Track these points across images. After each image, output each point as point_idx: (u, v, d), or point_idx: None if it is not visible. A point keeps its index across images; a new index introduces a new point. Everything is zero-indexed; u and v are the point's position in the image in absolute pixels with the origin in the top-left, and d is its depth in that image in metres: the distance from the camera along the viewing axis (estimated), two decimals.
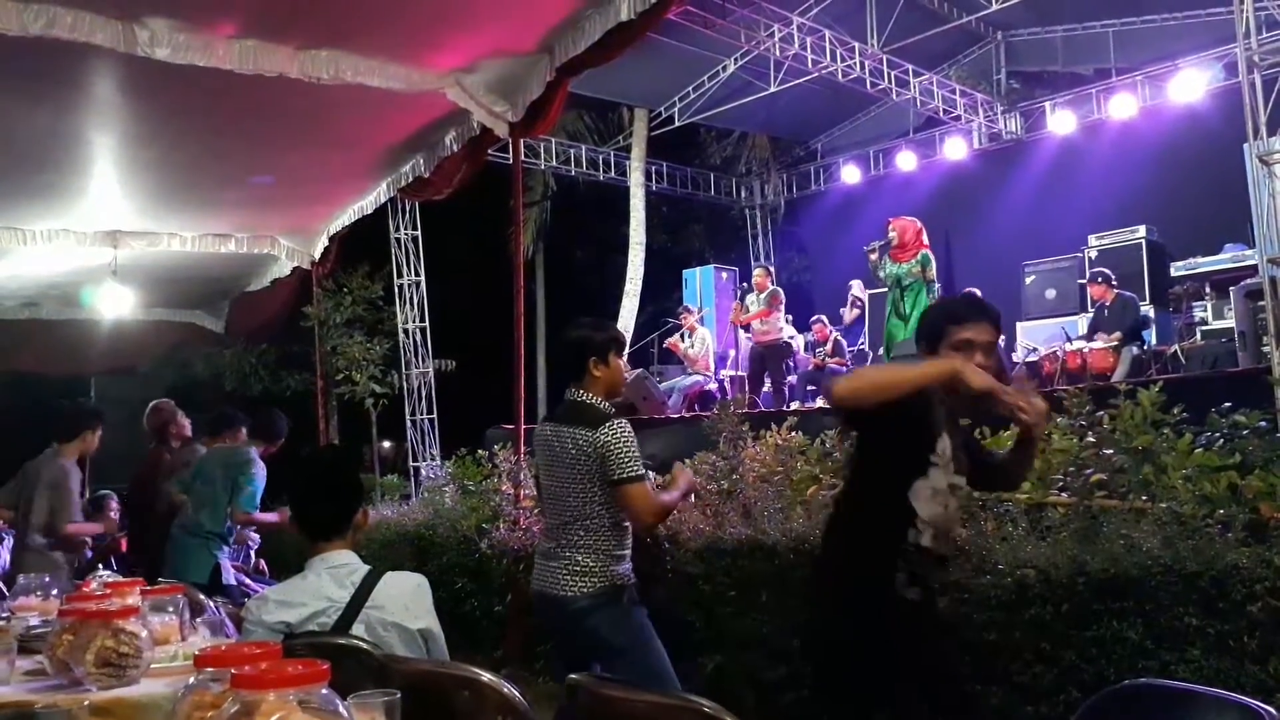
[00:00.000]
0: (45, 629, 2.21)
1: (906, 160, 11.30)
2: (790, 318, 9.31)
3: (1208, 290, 7.46)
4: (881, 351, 7.67)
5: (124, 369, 9.50)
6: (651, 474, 3.00)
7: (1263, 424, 3.17)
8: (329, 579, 2.14)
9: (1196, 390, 4.51)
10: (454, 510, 6.10)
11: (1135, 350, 6.92)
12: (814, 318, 9.54)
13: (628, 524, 2.75)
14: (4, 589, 3.21)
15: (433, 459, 9.00)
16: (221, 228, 6.97)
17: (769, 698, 3.54)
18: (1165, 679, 2.49)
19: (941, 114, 10.54)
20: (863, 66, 9.48)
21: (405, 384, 9.36)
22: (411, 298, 9.45)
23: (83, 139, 5.07)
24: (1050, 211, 9.79)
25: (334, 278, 8.70)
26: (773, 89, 9.96)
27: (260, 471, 4.65)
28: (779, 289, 9.20)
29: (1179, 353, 6.86)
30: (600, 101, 11.98)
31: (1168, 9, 9.10)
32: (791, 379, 8.88)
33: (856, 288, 9.79)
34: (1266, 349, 4.91)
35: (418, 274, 9.44)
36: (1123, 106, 9.59)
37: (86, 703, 1.83)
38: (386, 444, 12.52)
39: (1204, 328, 7.22)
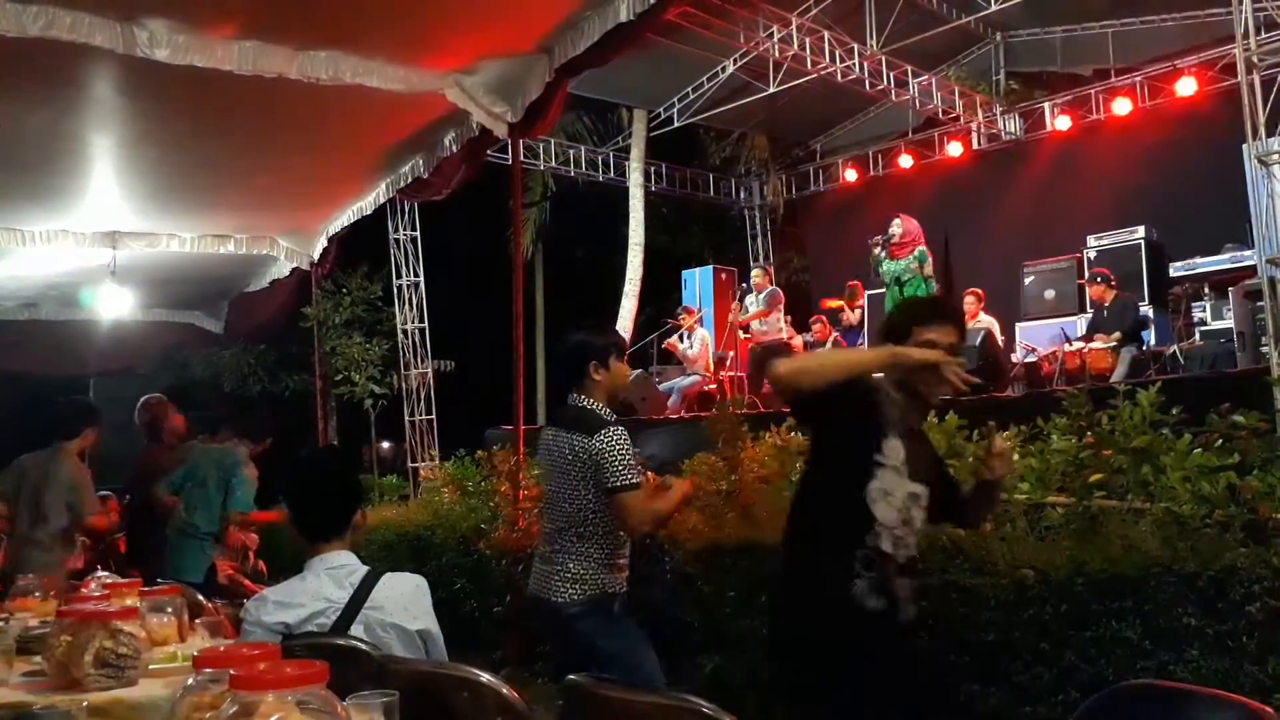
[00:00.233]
0: (44, 630, 2.21)
1: (906, 161, 11.31)
2: (790, 318, 9.32)
3: (1206, 291, 7.45)
4: None
5: (123, 370, 9.48)
6: (649, 474, 2.99)
7: (1261, 425, 3.17)
8: (328, 580, 2.14)
9: (1195, 391, 4.52)
10: (453, 511, 6.10)
11: (1134, 351, 6.93)
12: (814, 318, 9.54)
13: (622, 531, 2.74)
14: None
15: (432, 460, 8.99)
16: (220, 228, 6.97)
17: (768, 698, 3.54)
18: (1164, 679, 2.50)
19: (940, 115, 10.54)
20: (862, 67, 9.48)
21: (404, 385, 9.35)
22: (410, 298, 9.45)
23: (82, 140, 5.07)
24: (1049, 212, 9.79)
25: (333, 278, 8.70)
26: (772, 89, 9.95)
27: (251, 471, 4.67)
28: (778, 289, 9.20)
29: (1178, 353, 6.86)
30: (599, 102, 11.97)
31: (1166, 10, 9.10)
32: None
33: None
34: (1265, 350, 4.91)
35: (417, 274, 9.44)
36: (1121, 107, 9.59)
37: (85, 703, 1.82)
38: (385, 445, 12.51)
39: (1203, 328, 7.22)
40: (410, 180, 6.13)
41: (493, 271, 11.52)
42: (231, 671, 1.06)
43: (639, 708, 1.70)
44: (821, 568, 2.15)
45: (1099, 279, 7.45)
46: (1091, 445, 3.31)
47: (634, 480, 2.64)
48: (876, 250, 7.36)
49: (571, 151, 11.84)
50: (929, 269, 7.19)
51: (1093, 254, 8.44)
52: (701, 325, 9.67)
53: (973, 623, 3.05)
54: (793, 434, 4.40)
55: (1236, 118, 4.86)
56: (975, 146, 10.82)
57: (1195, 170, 8.24)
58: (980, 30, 10.41)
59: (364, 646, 1.98)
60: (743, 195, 13.23)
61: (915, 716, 2.16)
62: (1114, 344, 6.93)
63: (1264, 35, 5.07)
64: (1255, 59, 4.84)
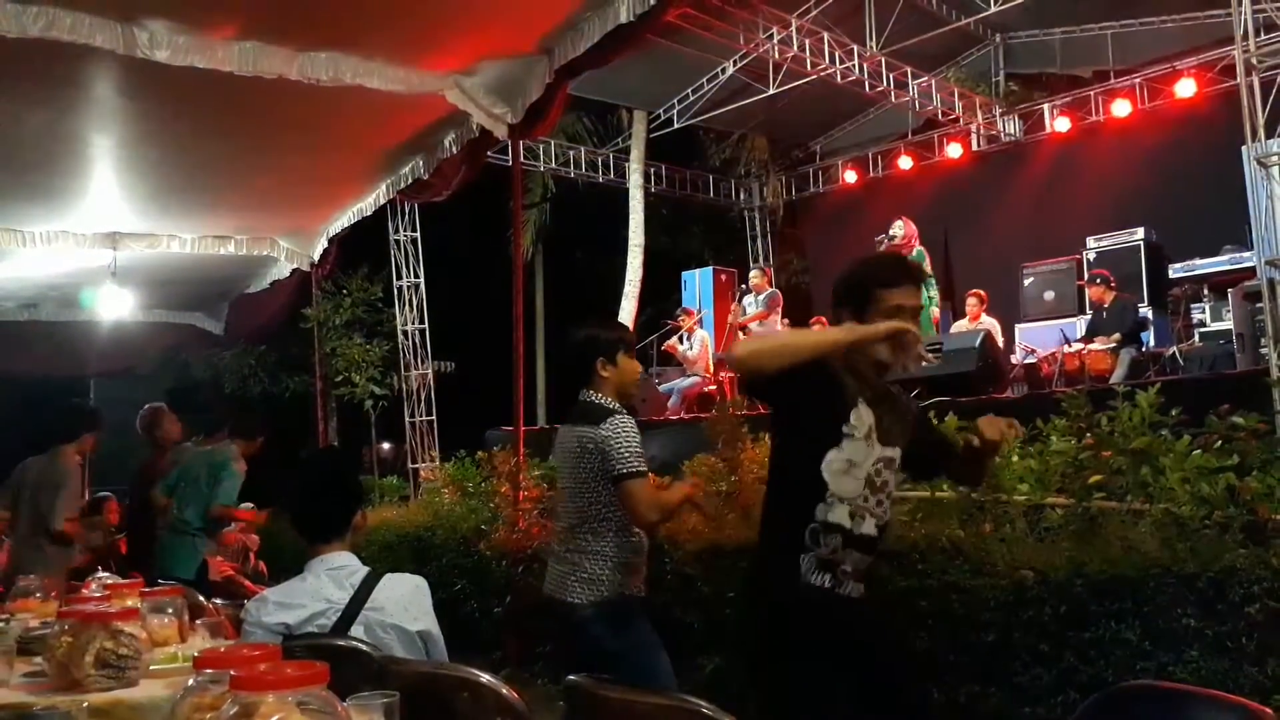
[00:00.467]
0: (44, 631, 2.21)
1: (905, 162, 11.31)
2: (787, 321, 9.32)
3: (1206, 292, 7.45)
4: None
5: (123, 370, 9.50)
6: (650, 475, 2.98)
7: (1260, 426, 3.18)
8: (328, 580, 2.14)
9: (1195, 392, 4.52)
10: (453, 512, 6.10)
11: (1133, 352, 6.93)
12: (813, 319, 9.53)
13: (638, 529, 2.70)
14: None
15: (432, 460, 8.99)
16: (221, 229, 6.97)
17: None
18: (1163, 680, 2.50)
19: (940, 116, 10.54)
20: (861, 69, 9.49)
21: (404, 385, 9.35)
22: (411, 299, 9.45)
23: (82, 140, 5.07)
24: (1049, 213, 9.80)
25: (333, 279, 8.70)
26: (771, 91, 9.96)
27: (241, 466, 4.69)
28: (777, 291, 9.20)
29: (1177, 355, 6.86)
30: (599, 103, 11.98)
31: (1166, 11, 9.11)
32: None
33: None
34: (1264, 351, 4.91)
35: (417, 275, 9.44)
36: (1121, 109, 9.60)
37: (86, 704, 1.83)
38: (386, 445, 12.51)
39: (1202, 330, 7.22)
40: (410, 181, 6.13)
41: (493, 272, 11.51)
42: (232, 672, 1.06)
43: (640, 708, 1.71)
44: (772, 546, 2.11)
45: (1098, 280, 7.45)
46: (1091, 446, 3.31)
47: (640, 468, 2.59)
48: (881, 250, 7.39)
49: (571, 153, 11.85)
50: (927, 267, 7.22)
51: (1092, 255, 8.45)
52: (701, 326, 9.67)
53: (972, 623, 3.05)
54: None
55: (1236, 119, 4.87)
56: (975, 148, 10.83)
57: (1194, 172, 8.24)
58: (980, 32, 10.41)
59: (364, 647, 1.98)
60: (742, 196, 13.23)
61: (878, 706, 2.10)
62: (1113, 345, 6.93)
63: (1263, 37, 5.08)
64: (1254, 61, 4.85)
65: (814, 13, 9.22)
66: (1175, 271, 7.91)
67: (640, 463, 2.61)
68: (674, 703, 1.68)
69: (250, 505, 5.43)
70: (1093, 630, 2.86)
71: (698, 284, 11.33)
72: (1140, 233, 8.33)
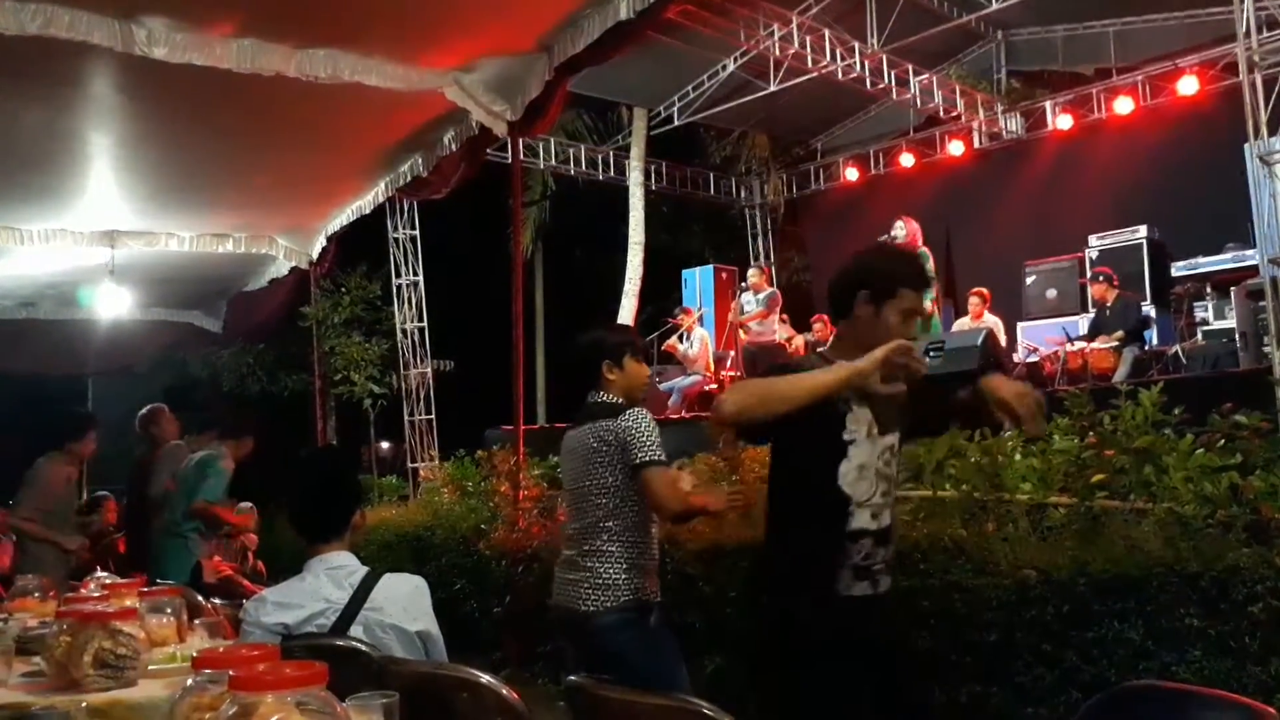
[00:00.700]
0: (43, 630, 2.20)
1: (907, 160, 11.30)
2: (785, 318, 9.31)
3: (1209, 290, 7.44)
4: None
5: (121, 369, 9.49)
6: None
7: (1263, 424, 3.17)
8: (327, 580, 2.13)
9: (1197, 391, 4.52)
10: (452, 511, 6.09)
11: (1136, 350, 6.92)
12: (814, 317, 9.52)
13: (653, 526, 2.66)
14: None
15: (431, 460, 8.98)
16: (219, 227, 6.96)
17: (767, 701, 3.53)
18: (1166, 680, 2.49)
19: (942, 113, 10.53)
20: (862, 66, 9.47)
21: (403, 384, 9.34)
22: (410, 297, 9.44)
23: (80, 138, 5.06)
24: (1051, 211, 9.78)
25: (332, 277, 8.70)
26: (772, 88, 9.94)
27: (228, 464, 4.68)
28: (776, 291, 9.19)
29: (1180, 353, 6.85)
30: (599, 101, 11.95)
31: (1168, 9, 9.10)
32: None
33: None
34: (1267, 349, 4.90)
35: (416, 274, 9.43)
36: (1123, 106, 9.59)
37: (84, 704, 1.82)
38: (385, 444, 12.51)
39: (1205, 328, 7.21)
40: (409, 179, 6.12)
41: (492, 270, 11.50)
42: (231, 672, 1.05)
43: (641, 709, 1.70)
44: (805, 565, 2.08)
45: (1101, 278, 7.44)
46: (1094, 445, 3.30)
47: (662, 457, 2.57)
48: None
49: (571, 150, 11.83)
50: (930, 267, 7.21)
51: (1094, 253, 8.43)
52: (701, 324, 9.66)
53: (975, 623, 3.05)
54: None
55: (1238, 117, 4.86)
56: (976, 145, 10.81)
57: (1197, 169, 8.23)
58: (981, 29, 10.40)
59: (364, 647, 1.98)
60: (743, 194, 13.22)
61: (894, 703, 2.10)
62: (1116, 344, 6.92)
63: (1265, 34, 5.07)
64: (1256, 58, 4.84)
65: (815, 9, 9.21)
66: (1178, 269, 7.89)
67: (661, 452, 2.57)
68: (675, 704, 1.67)
69: (249, 505, 5.43)
70: (1095, 630, 2.85)
71: (698, 282, 11.32)
72: (1143, 230, 8.31)
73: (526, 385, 5.78)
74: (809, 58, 9.24)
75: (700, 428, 4.71)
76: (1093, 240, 8.59)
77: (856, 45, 9.30)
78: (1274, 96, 4.81)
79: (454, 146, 5.60)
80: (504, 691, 1.81)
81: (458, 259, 13.82)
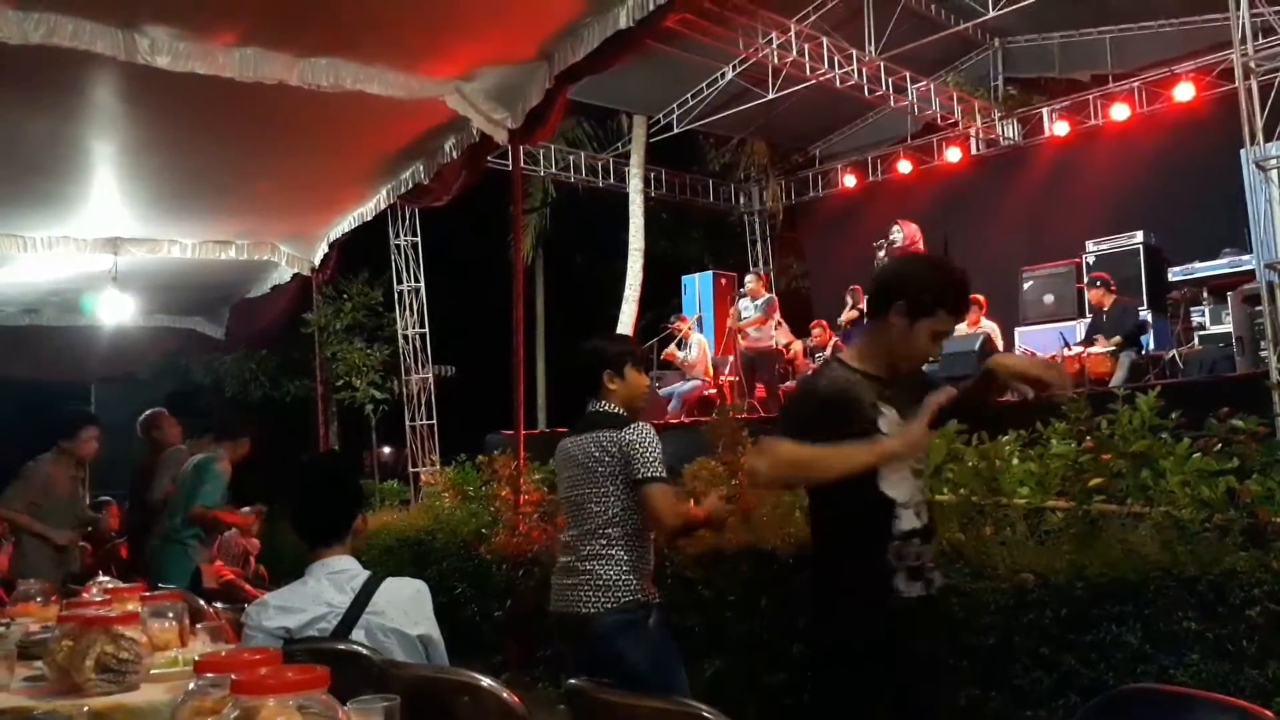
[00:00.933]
0: (45, 635, 2.21)
1: (905, 166, 11.33)
2: (784, 323, 9.31)
3: (1205, 295, 7.45)
4: None
5: (124, 375, 9.49)
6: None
7: (1260, 429, 3.18)
8: (329, 584, 2.14)
9: (1194, 395, 4.53)
10: (453, 516, 6.10)
11: (1133, 355, 6.93)
12: (813, 323, 9.54)
13: (650, 533, 2.68)
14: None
15: (432, 464, 8.99)
16: (222, 234, 6.98)
17: (770, 703, 3.54)
18: (1164, 683, 2.49)
19: (939, 120, 10.57)
20: (860, 73, 9.51)
21: (405, 390, 9.35)
22: (411, 304, 9.46)
23: (83, 146, 5.08)
24: (1048, 217, 9.81)
25: (334, 284, 8.70)
26: (771, 96, 9.98)
27: (225, 467, 4.68)
28: (774, 297, 9.21)
29: (1177, 358, 6.86)
30: (599, 108, 12.00)
31: (1164, 15, 9.14)
32: (789, 384, 8.89)
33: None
34: (1264, 354, 4.92)
35: (417, 280, 9.45)
36: (1120, 112, 9.62)
37: (86, 708, 1.83)
38: (386, 450, 12.51)
39: (1202, 333, 7.22)
40: (411, 186, 6.14)
41: (493, 277, 11.52)
42: (233, 676, 1.06)
43: (641, 712, 1.71)
44: (860, 572, 2.10)
45: (1098, 283, 7.46)
46: (1091, 449, 3.31)
47: (663, 474, 2.59)
48: (881, 254, 7.39)
49: (571, 157, 11.87)
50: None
51: (1091, 259, 8.45)
52: (699, 330, 9.68)
53: (973, 627, 3.05)
54: None
55: (1234, 123, 4.88)
56: (974, 152, 10.85)
57: (1193, 175, 8.26)
58: (979, 36, 10.44)
59: (365, 651, 1.99)
60: (742, 201, 13.26)
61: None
62: (1113, 348, 6.93)
63: (1261, 41, 5.10)
64: (1253, 64, 4.86)
65: (813, 18, 9.25)
66: (1174, 274, 7.91)
67: (663, 469, 2.61)
68: (675, 707, 1.68)
69: (256, 507, 5.41)
70: (1093, 633, 2.86)
71: (698, 288, 11.35)
72: (1139, 236, 8.34)
73: (527, 390, 5.79)
74: (807, 65, 9.28)
75: (700, 432, 4.71)
76: (1090, 246, 8.61)
77: (854, 53, 9.34)
78: (1270, 102, 4.83)
79: (455, 154, 5.62)
80: (505, 695, 1.82)
81: (459, 265, 13.84)
